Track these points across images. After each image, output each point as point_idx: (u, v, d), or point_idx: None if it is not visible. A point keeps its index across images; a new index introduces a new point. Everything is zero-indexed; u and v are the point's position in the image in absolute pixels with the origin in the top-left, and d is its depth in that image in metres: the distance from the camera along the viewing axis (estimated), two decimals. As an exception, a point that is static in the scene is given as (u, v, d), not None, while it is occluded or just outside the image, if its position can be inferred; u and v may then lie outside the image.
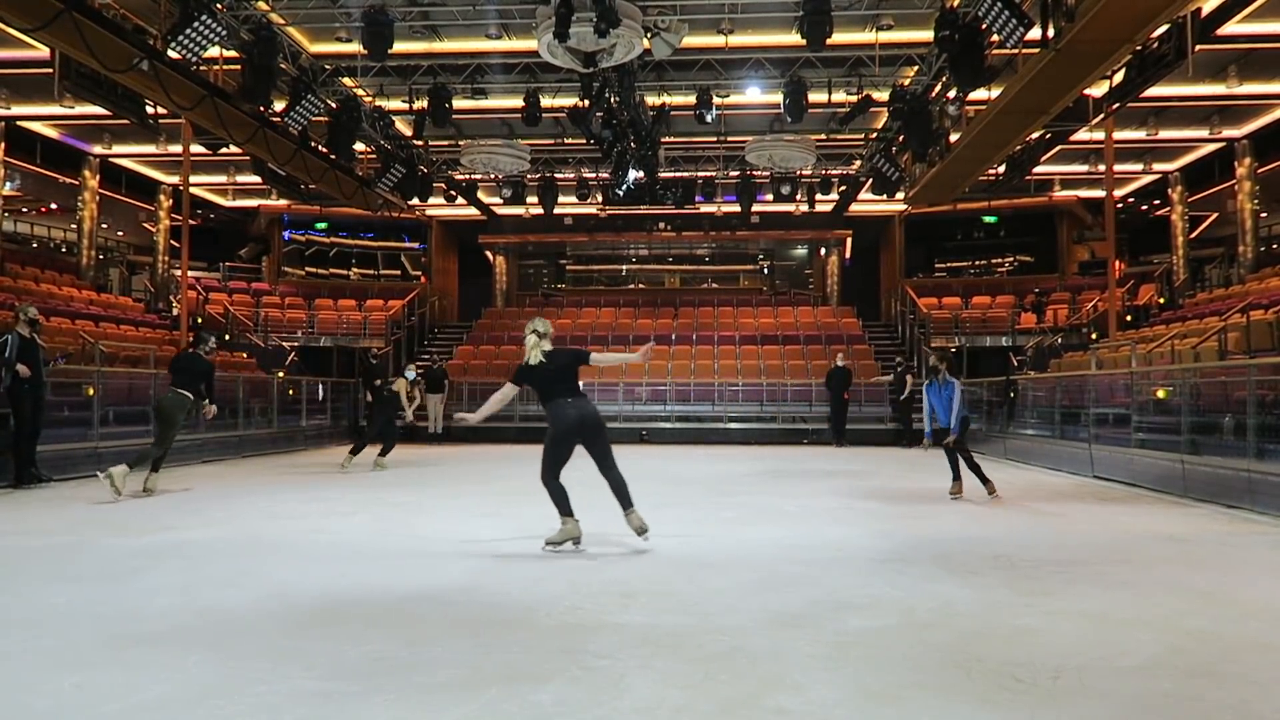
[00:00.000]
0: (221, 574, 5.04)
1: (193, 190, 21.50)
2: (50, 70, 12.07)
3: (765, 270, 28.78)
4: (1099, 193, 20.54)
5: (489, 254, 27.47)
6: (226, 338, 20.53)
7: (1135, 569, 5.23)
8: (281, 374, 17.19)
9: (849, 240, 26.30)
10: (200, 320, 20.53)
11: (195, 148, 17.45)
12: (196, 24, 10.20)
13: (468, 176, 19.74)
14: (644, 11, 10.96)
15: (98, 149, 19.45)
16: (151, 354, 14.61)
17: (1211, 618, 4.08)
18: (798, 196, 19.62)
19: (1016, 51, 11.23)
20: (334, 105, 14.16)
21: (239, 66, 12.17)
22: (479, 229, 26.35)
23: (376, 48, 11.50)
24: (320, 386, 18.39)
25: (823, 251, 27.12)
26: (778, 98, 14.27)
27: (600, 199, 20.94)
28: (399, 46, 12.43)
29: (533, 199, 20.19)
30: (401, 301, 23.98)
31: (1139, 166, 20.49)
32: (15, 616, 4.09)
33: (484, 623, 3.99)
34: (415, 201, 19.21)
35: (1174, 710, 2.92)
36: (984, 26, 10.51)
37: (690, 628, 3.90)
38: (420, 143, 17.30)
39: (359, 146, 15.65)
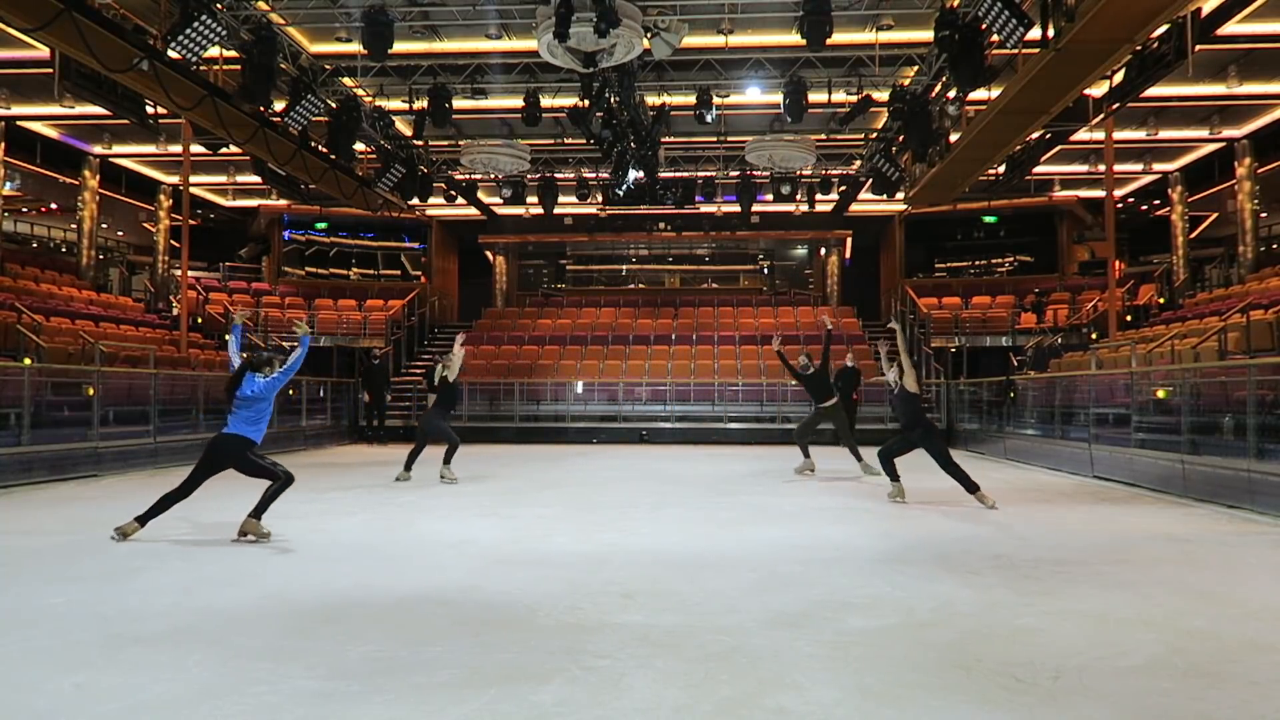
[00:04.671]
0: (221, 574, 5.04)
1: (193, 190, 21.49)
2: (50, 70, 12.05)
3: (765, 270, 28.78)
4: (1099, 193, 20.53)
5: (489, 254, 27.47)
6: (226, 337, 20.51)
7: (1135, 569, 5.23)
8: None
9: (849, 240, 26.30)
10: (200, 320, 20.53)
11: (195, 148, 17.44)
12: (196, 24, 10.19)
13: (468, 176, 19.73)
14: (644, 11, 10.94)
15: (98, 149, 19.44)
16: (151, 354, 14.61)
17: (1211, 618, 4.08)
18: (798, 196, 19.61)
19: (1016, 51, 11.21)
20: (334, 105, 14.15)
21: (239, 66, 12.16)
22: (479, 229, 26.35)
23: (376, 48, 11.49)
24: (320, 386, 18.40)
25: (823, 251, 27.12)
26: (778, 98, 14.27)
27: (600, 199, 20.93)
28: (399, 46, 12.42)
29: (533, 199, 20.18)
30: (401, 301, 23.98)
31: (1139, 166, 20.48)
32: (15, 616, 4.09)
33: (484, 623, 3.99)
34: (415, 201, 19.19)
35: (1174, 710, 2.93)
36: (984, 26, 10.50)
37: (690, 627, 3.90)
38: (420, 143, 17.29)
39: (359, 146, 15.63)
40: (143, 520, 6.09)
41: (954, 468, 8.13)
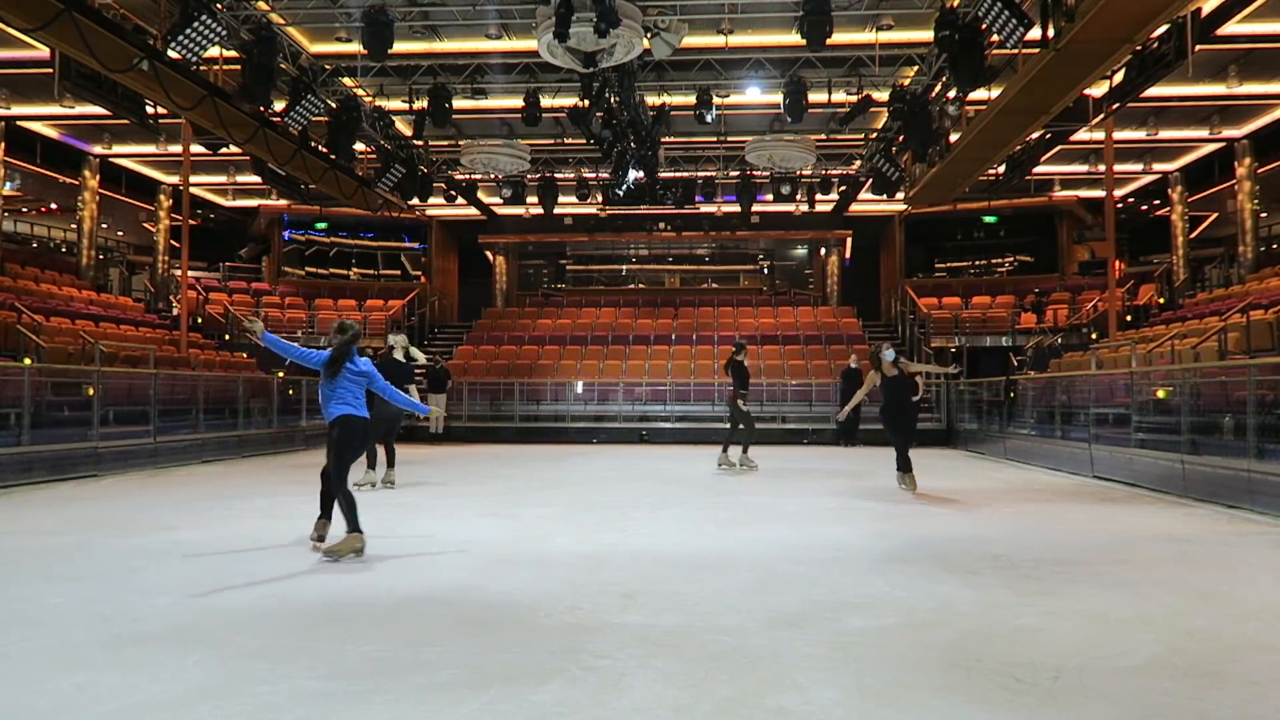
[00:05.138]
0: (221, 574, 5.04)
1: (193, 190, 21.50)
2: (50, 70, 12.05)
3: (765, 270, 28.79)
4: (1099, 193, 20.53)
5: (489, 254, 27.48)
6: (226, 337, 20.54)
7: (1135, 569, 5.23)
8: (281, 374, 17.19)
9: (849, 240, 26.30)
10: (200, 320, 20.52)
11: (195, 148, 17.44)
12: (196, 24, 10.20)
13: (468, 176, 19.74)
14: (644, 11, 10.95)
15: (98, 149, 19.45)
16: (151, 354, 14.62)
17: (1211, 618, 4.08)
18: (798, 196, 19.62)
19: (1016, 51, 11.22)
20: (334, 105, 14.15)
21: (239, 66, 12.17)
22: (479, 229, 26.35)
23: (376, 48, 11.49)
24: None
25: (823, 251, 27.12)
26: (778, 98, 14.27)
27: (600, 199, 20.94)
28: (399, 46, 12.42)
29: (533, 199, 20.18)
30: (401, 301, 23.99)
31: (1139, 166, 20.49)
32: (15, 616, 4.09)
33: (484, 623, 3.99)
34: (415, 201, 19.20)
35: (1174, 710, 2.93)
36: (984, 26, 10.51)
37: (690, 628, 3.90)
38: (420, 143, 17.30)
39: (359, 146, 15.64)
40: (357, 526, 5.51)
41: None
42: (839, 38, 12.02)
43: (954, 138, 15.24)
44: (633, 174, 17.43)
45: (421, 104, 14.30)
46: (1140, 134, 17.81)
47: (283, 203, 23.63)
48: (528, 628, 3.91)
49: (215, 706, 2.94)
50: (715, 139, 18.07)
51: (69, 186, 20.45)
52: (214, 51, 12.18)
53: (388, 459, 9.83)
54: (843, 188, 19.98)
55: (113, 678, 3.23)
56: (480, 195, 22.28)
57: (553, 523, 7.20)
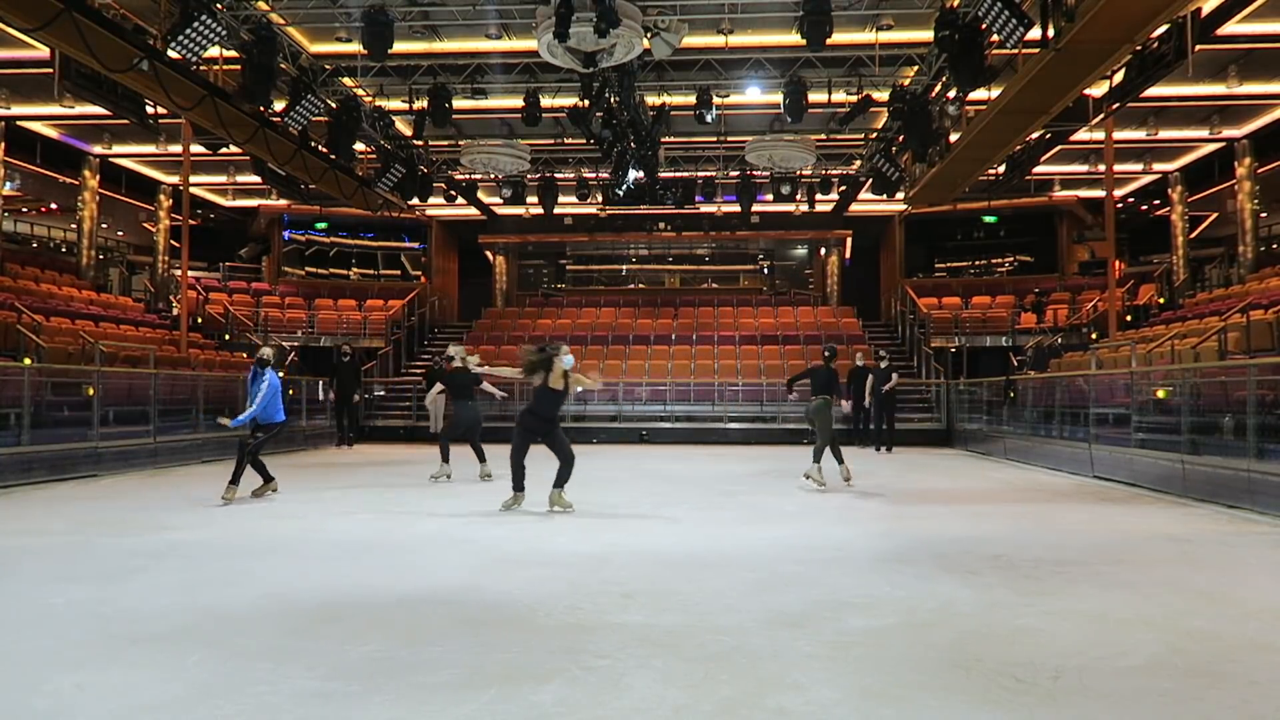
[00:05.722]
0: (221, 574, 5.04)
1: (193, 190, 21.48)
2: (50, 70, 12.05)
3: (765, 270, 28.78)
4: (1099, 193, 20.53)
5: (489, 254, 27.47)
6: (227, 337, 20.53)
7: (1135, 569, 5.23)
8: (281, 374, 17.17)
9: (849, 240, 26.29)
10: (200, 320, 20.52)
11: (195, 148, 17.44)
12: (196, 24, 10.19)
13: (468, 176, 19.74)
14: (644, 11, 10.95)
15: (98, 149, 19.43)
16: (151, 354, 14.61)
17: (1211, 618, 4.08)
18: (798, 196, 19.61)
19: (1016, 51, 11.21)
20: (334, 105, 14.15)
21: (239, 66, 12.17)
22: (479, 229, 26.34)
23: (376, 48, 11.49)
24: (320, 386, 18.37)
25: (823, 251, 27.12)
26: (778, 98, 14.27)
27: (600, 199, 20.93)
28: (399, 46, 12.42)
29: (533, 199, 20.18)
30: (401, 301, 23.98)
31: (1139, 166, 20.48)
32: (15, 616, 4.09)
33: (484, 623, 3.99)
34: (415, 201, 19.19)
35: (1174, 710, 2.93)
36: (984, 26, 10.50)
37: (690, 627, 3.90)
38: (420, 143, 17.29)
39: (359, 146, 15.63)
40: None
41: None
42: (839, 38, 12.01)
43: (954, 138, 15.23)
44: (633, 174, 17.42)
45: (421, 104, 14.29)
46: (1140, 134, 17.80)
47: (283, 203, 23.62)
48: (528, 628, 3.92)
49: (215, 706, 2.94)
50: (715, 139, 18.06)
51: (69, 186, 20.44)
52: (214, 51, 12.17)
53: (478, 456, 11.02)
54: (843, 188, 19.97)
55: (113, 678, 3.23)
56: (480, 195, 22.27)
57: (553, 522, 7.20)
